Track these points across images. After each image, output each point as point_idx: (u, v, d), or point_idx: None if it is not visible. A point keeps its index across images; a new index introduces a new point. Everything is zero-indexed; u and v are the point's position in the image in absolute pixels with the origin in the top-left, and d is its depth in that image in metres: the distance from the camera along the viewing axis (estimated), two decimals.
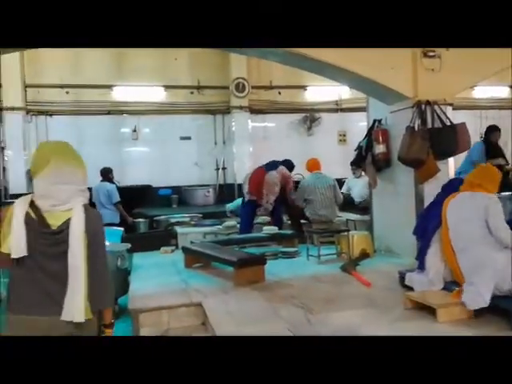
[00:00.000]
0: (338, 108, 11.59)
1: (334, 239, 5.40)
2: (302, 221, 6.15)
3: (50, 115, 10.23)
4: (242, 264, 4.17)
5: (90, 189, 7.24)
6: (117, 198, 7.34)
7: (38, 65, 9.97)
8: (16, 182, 9.77)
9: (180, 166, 10.89)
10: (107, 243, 5.33)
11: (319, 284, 4.18)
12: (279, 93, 11.27)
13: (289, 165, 6.56)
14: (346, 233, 5.15)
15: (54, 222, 2.01)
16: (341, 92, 11.39)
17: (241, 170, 10.78)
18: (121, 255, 5.02)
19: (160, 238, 6.46)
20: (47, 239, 2.00)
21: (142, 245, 6.11)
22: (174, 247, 6.11)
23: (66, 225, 2.00)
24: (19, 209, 1.99)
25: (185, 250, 5.06)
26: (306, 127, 11.43)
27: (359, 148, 5.42)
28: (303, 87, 11.39)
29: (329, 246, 5.37)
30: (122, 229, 6.49)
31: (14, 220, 1.96)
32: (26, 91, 10.00)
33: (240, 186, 9.96)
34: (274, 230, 5.69)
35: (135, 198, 9.32)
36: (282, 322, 3.21)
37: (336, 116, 11.58)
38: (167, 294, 4.05)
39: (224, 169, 11.36)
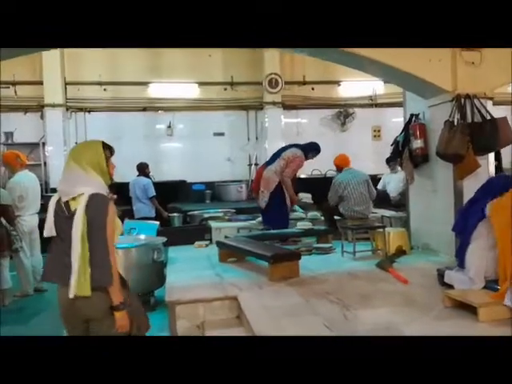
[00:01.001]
0: (372, 103, 11.40)
1: (369, 235, 5.31)
2: (336, 217, 6.06)
3: (89, 112, 10.46)
4: (277, 259, 4.14)
5: (126, 184, 7.28)
6: (152, 192, 7.44)
7: (78, 62, 10.19)
8: (56, 176, 10.06)
9: (213, 162, 10.95)
10: (142, 236, 5.45)
11: (355, 280, 4.11)
12: (312, 88, 11.17)
13: (309, 148, 6.05)
14: (381, 229, 5.05)
15: (73, 208, 2.37)
16: (375, 87, 11.20)
17: None
18: (157, 248, 5.09)
19: (194, 232, 6.49)
20: (64, 222, 2.37)
21: (177, 239, 6.15)
22: (208, 241, 6.13)
23: (75, 210, 2.35)
24: (53, 198, 2.47)
25: (219, 244, 5.07)
26: (340, 123, 11.30)
27: (396, 143, 5.29)
28: (337, 82, 11.26)
29: (363, 242, 5.29)
30: (157, 223, 6.57)
31: (48, 208, 2.45)
32: (66, 88, 10.25)
33: None
34: (307, 225, 5.64)
35: (170, 193, 9.43)
36: (318, 317, 3.17)
37: (370, 111, 11.40)
38: (203, 287, 4.07)
39: (256, 164, 11.33)
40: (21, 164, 5.89)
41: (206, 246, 6.03)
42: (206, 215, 7.37)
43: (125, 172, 7.33)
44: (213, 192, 10.70)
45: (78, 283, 2.25)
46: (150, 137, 10.84)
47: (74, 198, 2.36)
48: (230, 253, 4.99)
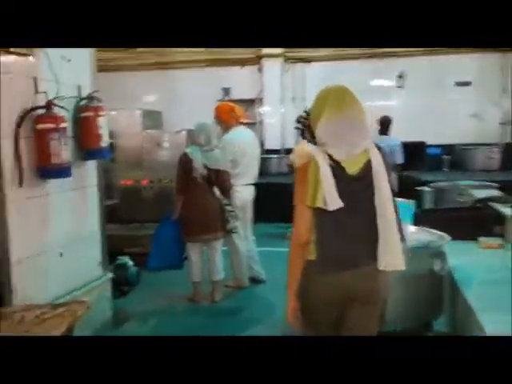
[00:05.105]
0: None
1: None
2: None
3: (309, 62, 8.63)
4: None
5: None
6: (401, 159, 5.24)
7: None
8: (272, 136, 8.64)
9: (453, 120, 8.26)
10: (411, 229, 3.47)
11: None
12: None
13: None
14: None
15: (353, 168, 1.83)
16: None
17: None
18: (439, 253, 2.94)
19: (471, 219, 4.06)
20: (351, 186, 1.82)
21: (443, 229, 3.84)
22: (500, 239, 3.69)
23: (366, 168, 1.83)
24: (322, 160, 1.79)
25: None
26: None
27: None
28: None
29: None
30: (412, 202, 4.37)
31: (321, 171, 1.78)
32: None
33: None
34: None
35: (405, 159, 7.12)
36: None
37: None
38: None
39: None
40: (236, 119, 4.27)
41: (501, 246, 3.60)
42: (478, 194, 4.83)
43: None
44: (452, 157, 8.21)
45: (399, 254, 1.79)
46: (375, 90, 8.55)
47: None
48: None
